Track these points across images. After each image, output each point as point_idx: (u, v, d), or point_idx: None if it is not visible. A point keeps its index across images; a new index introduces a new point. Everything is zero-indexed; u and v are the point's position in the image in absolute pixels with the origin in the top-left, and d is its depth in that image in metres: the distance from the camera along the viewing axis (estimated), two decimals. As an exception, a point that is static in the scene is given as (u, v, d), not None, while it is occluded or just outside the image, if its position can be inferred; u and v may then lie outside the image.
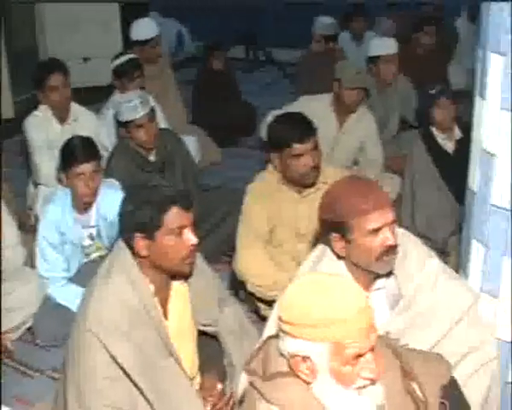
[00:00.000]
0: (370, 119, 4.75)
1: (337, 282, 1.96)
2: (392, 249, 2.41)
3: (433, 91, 4.43)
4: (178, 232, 2.49)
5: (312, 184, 3.53)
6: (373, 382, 1.92)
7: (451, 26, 7.45)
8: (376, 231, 2.38)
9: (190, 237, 2.51)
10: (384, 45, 5.48)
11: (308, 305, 1.88)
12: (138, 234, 2.48)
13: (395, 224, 2.44)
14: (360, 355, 1.88)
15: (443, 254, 3.97)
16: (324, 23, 6.58)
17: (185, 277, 2.66)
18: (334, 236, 2.45)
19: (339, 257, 2.51)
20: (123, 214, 2.54)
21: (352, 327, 1.85)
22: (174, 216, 2.47)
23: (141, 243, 2.49)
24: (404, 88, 5.55)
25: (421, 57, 6.23)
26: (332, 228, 2.46)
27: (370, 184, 2.54)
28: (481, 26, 2.47)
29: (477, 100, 2.55)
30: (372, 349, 1.90)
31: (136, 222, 2.48)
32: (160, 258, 2.51)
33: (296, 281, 2.00)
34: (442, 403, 2.17)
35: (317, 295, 1.89)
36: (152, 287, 2.56)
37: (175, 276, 2.63)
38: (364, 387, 1.92)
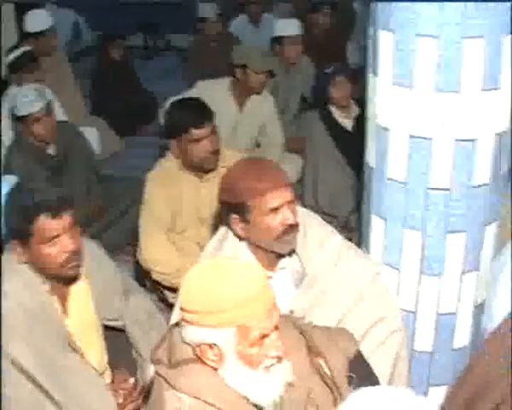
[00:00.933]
0: (270, 100, 4.78)
1: (235, 265, 1.95)
2: (292, 228, 2.42)
3: (330, 70, 4.50)
4: (51, 240, 2.39)
5: (212, 169, 3.53)
6: (280, 359, 1.93)
7: (349, 5, 7.55)
8: (275, 210, 2.39)
9: (66, 244, 2.41)
10: (288, 26, 5.55)
11: (208, 292, 1.86)
12: (15, 241, 2.41)
13: (294, 203, 2.46)
14: (265, 336, 1.89)
15: (347, 230, 4.04)
16: (204, 7, 6.63)
17: (71, 280, 2.58)
18: (234, 217, 2.46)
19: (241, 239, 2.51)
20: (6, 218, 2.46)
21: (254, 309, 1.85)
22: (42, 225, 2.36)
23: (18, 249, 2.41)
24: (306, 68, 5.62)
25: (318, 37, 6.30)
26: (231, 210, 2.46)
27: (267, 164, 2.54)
28: (372, 4, 2.51)
29: (370, 76, 2.58)
30: (276, 328, 1.91)
31: (12, 229, 2.41)
32: (40, 264, 2.43)
33: (194, 269, 1.98)
34: (349, 376, 2.19)
35: (215, 281, 1.88)
36: (47, 286, 2.49)
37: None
38: (272, 365, 1.93)
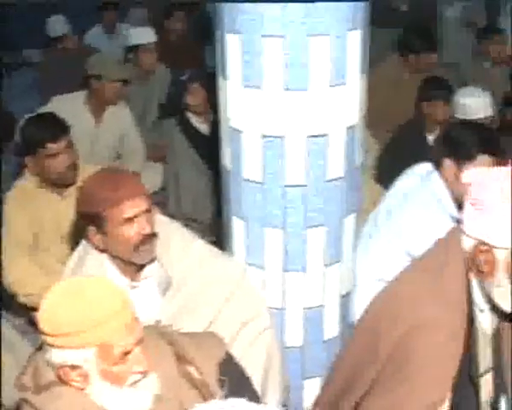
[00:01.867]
0: (126, 110, 4.73)
1: (91, 283, 1.90)
2: (149, 238, 2.40)
3: (185, 77, 4.50)
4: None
5: (71, 184, 3.45)
6: (145, 374, 1.90)
7: (204, 8, 7.56)
8: (130, 220, 2.36)
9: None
10: (142, 34, 5.48)
11: (65, 313, 1.80)
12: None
13: (151, 212, 2.43)
14: (128, 352, 1.85)
15: (211, 233, 4.04)
16: (53, 23, 6.51)
17: None
18: (91, 229, 2.42)
19: (101, 251, 2.46)
20: None
21: (113, 326, 1.81)
22: None
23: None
24: (162, 75, 5.58)
25: (174, 43, 6.29)
26: (88, 221, 2.42)
27: (123, 174, 2.52)
28: (218, 7, 2.52)
29: (220, 80, 2.59)
30: (139, 342, 1.88)
31: None
32: None
33: (50, 290, 1.92)
34: (221, 380, 2.19)
35: (72, 301, 1.82)
36: None
37: None
38: (138, 381, 1.90)
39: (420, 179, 3.12)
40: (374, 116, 4.95)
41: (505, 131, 4.49)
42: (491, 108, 4.23)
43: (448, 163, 2.99)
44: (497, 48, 5.81)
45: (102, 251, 2.47)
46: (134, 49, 5.42)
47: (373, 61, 5.35)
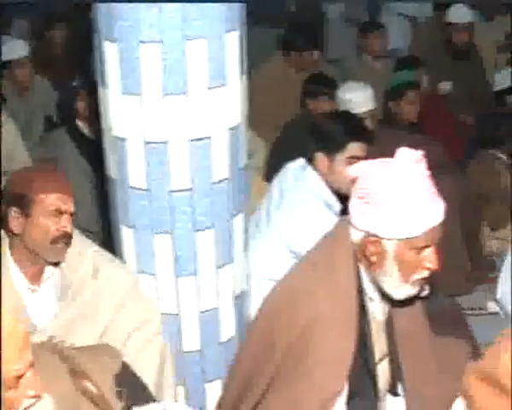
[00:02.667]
0: (10, 126, 4.60)
1: None
2: (67, 238, 2.44)
3: (72, 85, 4.43)
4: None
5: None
6: (39, 397, 1.86)
7: (87, 16, 7.42)
8: (57, 213, 2.41)
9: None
10: (15, 49, 5.32)
11: None
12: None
13: (72, 217, 2.48)
14: (20, 376, 1.79)
15: (104, 242, 3.99)
16: None
17: None
18: (14, 211, 2.41)
19: (13, 235, 2.46)
20: None
21: (5, 353, 1.74)
22: None
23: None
24: (42, 88, 5.45)
25: (57, 53, 6.16)
26: (14, 204, 2.42)
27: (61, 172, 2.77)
28: (95, 14, 2.48)
29: (100, 89, 2.56)
30: (31, 365, 1.82)
31: None
32: None
33: None
34: (118, 391, 2.17)
35: None
36: None
37: None
38: (33, 405, 1.85)
39: (294, 176, 3.17)
40: (261, 116, 5.04)
41: (389, 123, 4.62)
42: (373, 102, 4.35)
43: (320, 156, 3.07)
44: (378, 42, 5.98)
45: (14, 235, 2.45)
46: (8, 64, 5.25)
47: (264, 60, 5.46)
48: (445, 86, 5.81)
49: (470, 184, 4.49)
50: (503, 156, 4.66)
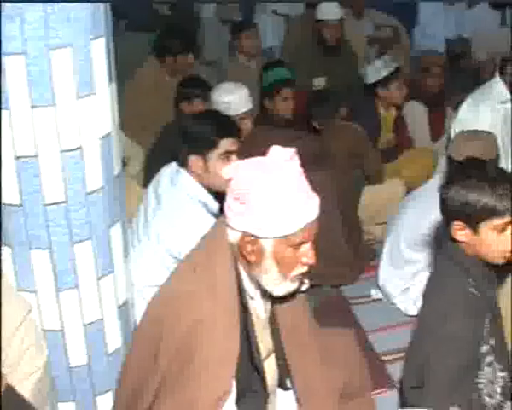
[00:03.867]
0: None
1: None
2: None
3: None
4: None
5: None
6: None
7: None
8: None
9: None
10: None
11: None
12: None
13: None
14: None
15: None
16: None
17: None
18: None
19: None
20: None
21: None
22: None
23: None
24: None
25: None
26: None
27: None
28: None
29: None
30: None
31: None
32: None
33: None
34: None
35: None
36: None
37: None
38: None
39: (169, 181, 3.18)
40: (138, 122, 5.00)
41: (265, 121, 4.68)
42: (250, 102, 4.38)
43: (194, 158, 3.08)
44: (250, 42, 6.04)
45: None
46: None
47: (139, 66, 5.41)
48: (319, 82, 5.93)
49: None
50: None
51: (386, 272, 4.08)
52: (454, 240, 2.47)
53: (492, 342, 2.50)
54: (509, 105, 4.38)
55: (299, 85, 5.62)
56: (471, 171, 2.43)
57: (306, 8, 7.19)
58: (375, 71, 5.22)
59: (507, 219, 2.35)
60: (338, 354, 2.77)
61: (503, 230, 2.37)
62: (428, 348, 2.48)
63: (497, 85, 4.39)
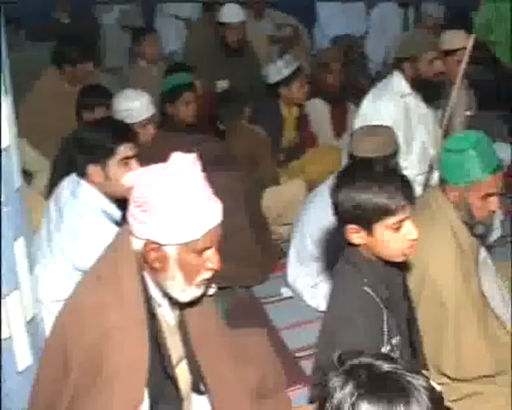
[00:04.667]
0: None
1: None
2: None
3: None
4: None
5: None
6: None
7: None
8: None
9: None
10: None
11: None
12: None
13: None
14: None
15: None
16: None
17: None
18: None
19: None
20: None
21: None
22: None
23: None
24: None
25: None
26: None
27: None
28: None
29: None
30: None
31: None
32: None
33: None
34: None
35: None
36: None
37: None
38: None
39: (70, 193, 3.14)
40: (43, 133, 4.91)
41: (167, 126, 4.68)
42: (151, 108, 4.36)
43: (93, 168, 3.06)
44: (151, 48, 6.02)
45: None
46: None
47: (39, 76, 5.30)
48: (222, 85, 5.96)
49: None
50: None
51: (295, 270, 4.12)
52: (351, 243, 2.45)
53: (395, 341, 2.50)
54: (409, 98, 4.48)
55: (203, 88, 5.67)
56: (359, 172, 2.40)
57: (205, 11, 7.20)
58: (277, 71, 5.27)
59: (400, 216, 2.33)
60: (250, 354, 2.79)
61: (397, 228, 2.35)
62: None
63: (397, 79, 4.48)
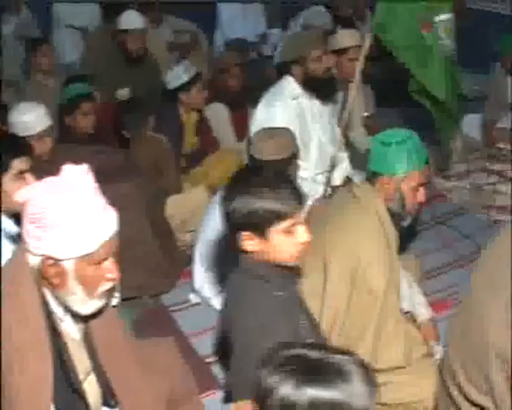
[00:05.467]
0: None
1: None
2: None
3: None
4: None
5: None
6: None
7: None
8: None
9: None
10: None
11: None
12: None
13: None
14: None
15: None
16: None
17: None
18: None
19: None
20: None
21: None
22: None
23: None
24: None
25: None
26: None
27: None
28: None
29: None
30: None
31: None
32: None
33: None
34: None
35: None
36: None
37: None
38: None
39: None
40: None
41: (66, 138, 4.61)
42: (48, 120, 4.27)
43: None
44: (46, 59, 5.91)
45: None
46: None
47: None
48: (123, 93, 5.90)
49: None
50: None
51: (201, 276, 4.12)
52: (244, 251, 2.42)
53: (311, 340, 2.50)
54: (301, 99, 4.55)
55: (102, 98, 5.60)
56: (249, 178, 2.39)
57: (103, 18, 7.09)
58: (176, 76, 5.26)
59: (292, 220, 2.33)
60: (160, 363, 2.77)
61: (290, 231, 2.34)
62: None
63: (288, 82, 4.55)
